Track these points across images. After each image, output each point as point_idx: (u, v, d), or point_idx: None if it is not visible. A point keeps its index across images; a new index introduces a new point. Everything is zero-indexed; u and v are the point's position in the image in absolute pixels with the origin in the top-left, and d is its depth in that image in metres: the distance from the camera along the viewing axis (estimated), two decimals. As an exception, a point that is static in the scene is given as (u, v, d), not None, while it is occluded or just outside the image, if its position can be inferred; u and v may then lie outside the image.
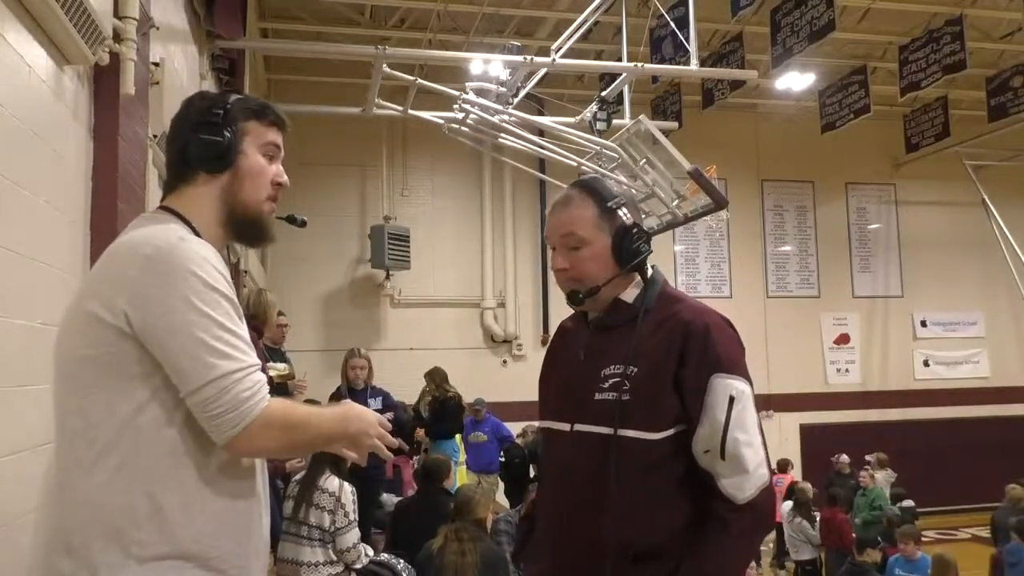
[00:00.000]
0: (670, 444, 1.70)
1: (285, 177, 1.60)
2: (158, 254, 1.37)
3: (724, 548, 1.66)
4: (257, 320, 4.41)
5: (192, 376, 1.34)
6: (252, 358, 1.40)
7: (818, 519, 8.27)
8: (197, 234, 1.48)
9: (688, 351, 1.71)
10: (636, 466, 1.69)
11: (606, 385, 1.74)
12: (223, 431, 1.35)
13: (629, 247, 1.79)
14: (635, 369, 1.72)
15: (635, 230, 1.81)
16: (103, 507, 1.34)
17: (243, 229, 1.58)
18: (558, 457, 1.89)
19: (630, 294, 1.84)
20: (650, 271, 1.85)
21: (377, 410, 6.79)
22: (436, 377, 8.20)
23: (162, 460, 1.37)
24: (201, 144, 1.51)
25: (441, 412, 7.95)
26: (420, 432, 8.11)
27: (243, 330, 1.42)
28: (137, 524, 1.33)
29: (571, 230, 1.82)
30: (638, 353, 1.73)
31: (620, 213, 1.82)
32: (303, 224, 2.04)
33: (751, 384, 1.73)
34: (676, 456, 1.71)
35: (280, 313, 5.83)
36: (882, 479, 9.90)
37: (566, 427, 1.82)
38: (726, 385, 1.68)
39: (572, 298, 1.83)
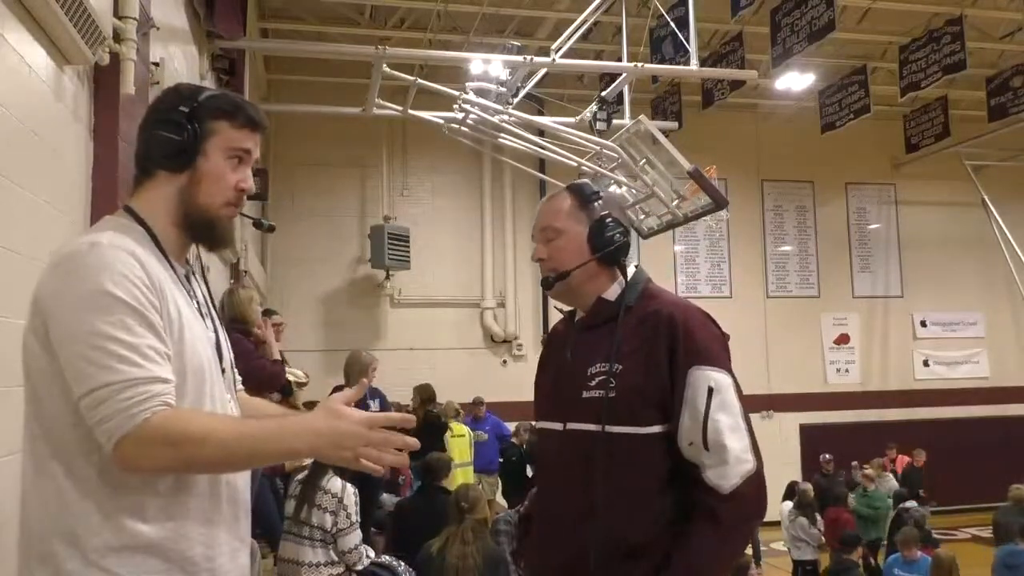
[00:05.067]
0: (658, 439, 1.72)
1: (250, 183, 1.54)
2: (64, 263, 1.37)
3: (711, 539, 1.65)
4: (237, 322, 4.08)
5: (75, 387, 1.31)
6: (140, 370, 1.29)
7: (819, 520, 8.27)
8: (153, 236, 1.45)
9: (667, 345, 1.73)
10: (624, 462, 1.72)
11: (593, 383, 1.77)
12: (104, 444, 1.30)
13: (603, 235, 1.85)
14: (619, 367, 1.75)
15: (609, 219, 1.86)
16: (59, 514, 1.34)
17: (198, 232, 1.52)
18: (551, 456, 1.92)
19: (612, 292, 1.88)
20: (633, 271, 1.89)
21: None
22: (423, 394, 8.02)
23: (108, 463, 1.33)
24: (159, 141, 1.47)
25: (428, 431, 7.74)
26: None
27: (141, 339, 1.32)
28: (92, 528, 1.33)
29: (548, 223, 1.91)
30: (621, 351, 1.76)
31: (597, 206, 1.88)
32: (271, 229, 2.07)
33: (733, 377, 1.74)
34: (664, 452, 1.73)
35: (275, 312, 5.81)
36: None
37: (559, 426, 1.85)
38: (705, 376, 1.70)
39: (544, 283, 1.91)
